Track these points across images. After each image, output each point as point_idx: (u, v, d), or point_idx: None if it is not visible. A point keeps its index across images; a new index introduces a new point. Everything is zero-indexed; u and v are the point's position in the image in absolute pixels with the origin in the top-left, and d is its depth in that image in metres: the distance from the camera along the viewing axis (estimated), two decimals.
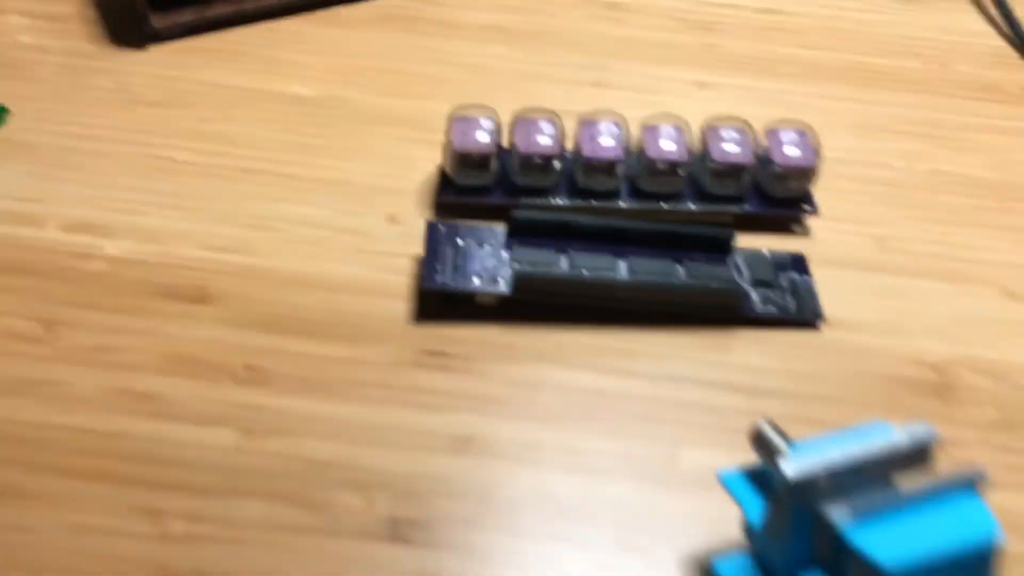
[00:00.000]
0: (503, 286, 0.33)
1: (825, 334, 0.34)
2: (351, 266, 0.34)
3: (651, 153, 0.36)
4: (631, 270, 0.33)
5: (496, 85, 0.43)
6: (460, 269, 0.33)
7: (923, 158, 0.41)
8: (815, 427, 0.31)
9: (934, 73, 0.46)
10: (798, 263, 0.35)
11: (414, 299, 0.33)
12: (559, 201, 0.36)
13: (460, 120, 0.36)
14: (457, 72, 0.43)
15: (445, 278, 0.32)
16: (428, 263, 0.33)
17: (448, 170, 0.36)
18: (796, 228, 0.38)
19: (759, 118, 0.40)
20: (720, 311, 0.33)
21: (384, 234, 0.36)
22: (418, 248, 0.35)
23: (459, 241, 0.34)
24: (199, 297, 0.33)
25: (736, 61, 0.46)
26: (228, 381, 0.31)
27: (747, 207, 0.37)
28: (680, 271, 0.34)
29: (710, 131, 0.37)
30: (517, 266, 0.33)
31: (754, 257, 0.35)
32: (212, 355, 0.31)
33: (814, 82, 0.45)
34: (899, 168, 0.41)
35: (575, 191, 0.36)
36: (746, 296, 0.33)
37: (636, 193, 0.37)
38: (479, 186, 0.36)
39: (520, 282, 0.32)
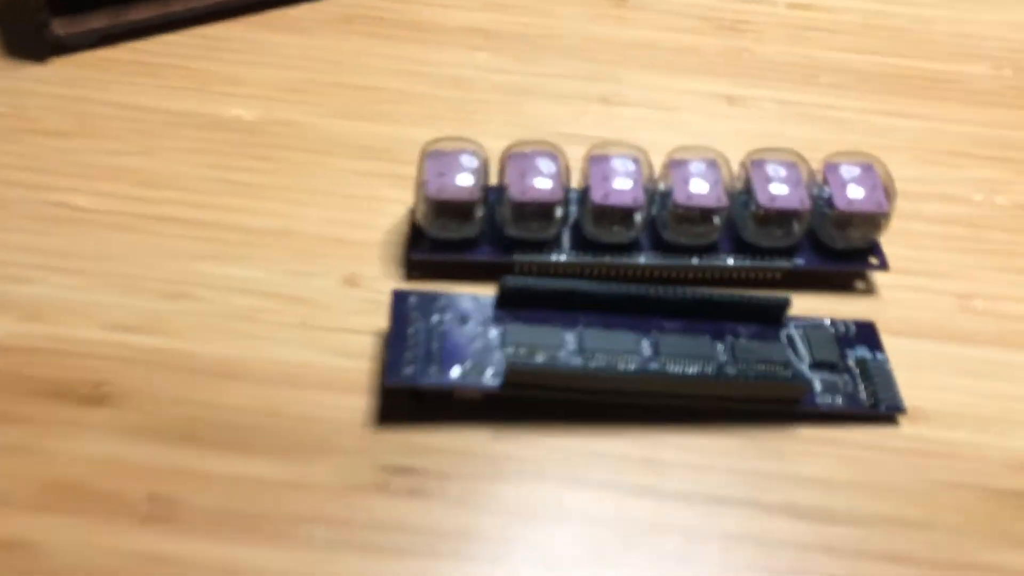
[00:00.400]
0: (492, 378, 0.25)
1: (905, 430, 0.26)
2: (294, 348, 0.27)
3: (679, 197, 0.28)
4: (658, 352, 0.26)
5: (481, 103, 0.35)
6: (436, 355, 0.25)
7: (1004, 188, 0.34)
8: (903, 567, 0.23)
9: (1006, 81, 0.38)
10: (868, 335, 0.28)
11: (377, 394, 0.26)
12: (562, 258, 0.28)
13: (436, 157, 0.28)
14: (434, 86, 0.36)
15: (415, 369, 0.25)
16: (394, 348, 0.25)
17: (421, 220, 0.28)
18: (859, 286, 0.30)
19: (803, 141, 0.32)
20: (772, 404, 0.26)
21: (340, 302, 0.28)
22: (383, 321, 0.27)
23: (434, 317, 0.26)
24: (93, 397, 0.25)
25: (770, 69, 0.38)
26: (125, 519, 0.23)
27: (799, 261, 0.29)
28: (721, 351, 0.26)
29: (754, 167, 0.29)
30: (510, 352, 0.25)
31: (814, 330, 0.27)
32: (106, 481, 0.24)
33: (863, 94, 0.37)
34: (977, 203, 0.33)
35: (583, 244, 0.29)
36: (809, 385, 0.26)
37: (660, 246, 0.29)
38: (461, 240, 0.28)
39: (513, 374, 0.25)
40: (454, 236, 0.28)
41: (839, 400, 0.26)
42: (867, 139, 0.35)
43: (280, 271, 0.29)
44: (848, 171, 0.29)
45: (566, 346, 0.26)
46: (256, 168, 0.32)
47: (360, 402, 0.26)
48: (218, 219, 0.30)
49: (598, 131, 0.34)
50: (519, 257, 0.28)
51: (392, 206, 0.30)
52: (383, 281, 0.28)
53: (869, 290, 0.30)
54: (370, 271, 0.29)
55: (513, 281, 0.26)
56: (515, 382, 0.25)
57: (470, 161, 0.28)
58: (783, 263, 0.29)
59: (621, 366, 0.25)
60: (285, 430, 0.25)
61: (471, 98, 0.35)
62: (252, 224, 0.30)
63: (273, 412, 0.25)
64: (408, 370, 0.25)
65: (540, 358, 0.25)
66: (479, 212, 0.28)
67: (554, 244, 0.29)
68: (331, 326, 0.27)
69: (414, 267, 0.29)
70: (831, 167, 0.29)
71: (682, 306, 0.27)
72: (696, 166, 0.29)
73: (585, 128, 0.34)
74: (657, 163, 0.29)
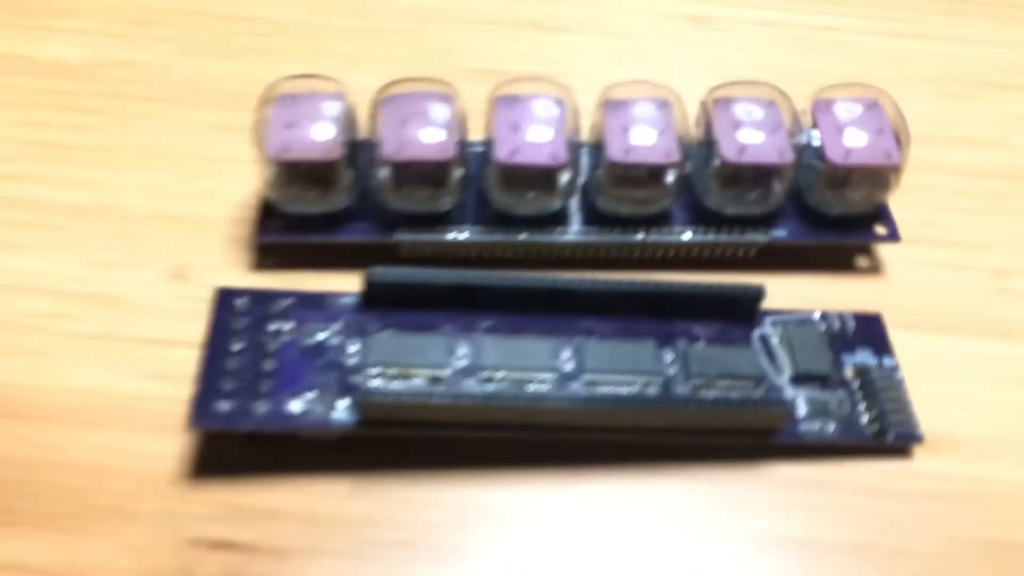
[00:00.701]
0: (346, 412, 0.18)
1: (921, 465, 0.19)
2: (93, 370, 0.20)
3: (615, 151, 0.21)
4: (583, 366, 0.19)
5: (380, 33, 0.28)
6: (268, 381, 0.18)
7: None
8: None
9: None
10: (872, 332, 0.21)
11: (195, 434, 0.19)
12: (462, 236, 0.21)
13: (284, 103, 0.21)
14: (323, 13, 0.28)
15: (235, 404, 0.18)
16: (207, 373, 0.18)
17: (267, 189, 0.21)
18: (861, 264, 0.23)
19: (786, 72, 0.25)
20: (740, 437, 0.19)
21: (160, 302, 0.21)
22: None
23: (271, 325, 0.19)
24: None
25: None
26: None
27: (779, 233, 0.22)
28: (669, 363, 0.19)
29: (718, 108, 0.21)
30: (373, 373, 0.18)
31: (798, 328, 0.20)
32: None
33: (865, 8, 0.30)
34: (1016, 148, 0.26)
35: (488, 216, 0.22)
36: (790, 411, 0.19)
37: (593, 217, 0.22)
38: (324, 215, 0.21)
39: (369, 408, 0.18)
40: (313, 210, 0.21)
41: (831, 428, 0.19)
42: (871, 68, 0.27)
43: (87, 262, 0.22)
44: (845, 110, 0.22)
45: (455, 362, 0.19)
46: (77, 125, 0.24)
47: (172, 445, 0.19)
48: (16, 193, 0.23)
49: (526, 65, 0.26)
50: (403, 236, 0.21)
51: (245, 169, 0.23)
52: (220, 272, 0.21)
53: (874, 269, 0.23)
54: (206, 259, 0.22)
55: (382, 273, 0.19)
56: (374, 419, 0.18)
57: (331, 107, 0.21)
58: (757, 237, 0.22)
59: (529, 389, 0.18)
60: (65, 491, 0.18)
61: (367, 27, 0.28)
62: (61, 199, 0.23)
63: (53, 464, 0.18)
64: (223, 405, 0.18)
65: (416, 381, 0.18)
66: (345, 177, 0.21)
67: (450, 217, 0.21)
68: (145, 336, 0.20)
69: (266, 253, 0.22)
70: (822, 106, 0.22)
71: (618, 301, 0.20)
72: (641, 109, 0.21)
73: (509, 62, 0.27)
74: (590, 104, 0.22)
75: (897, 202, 0.22)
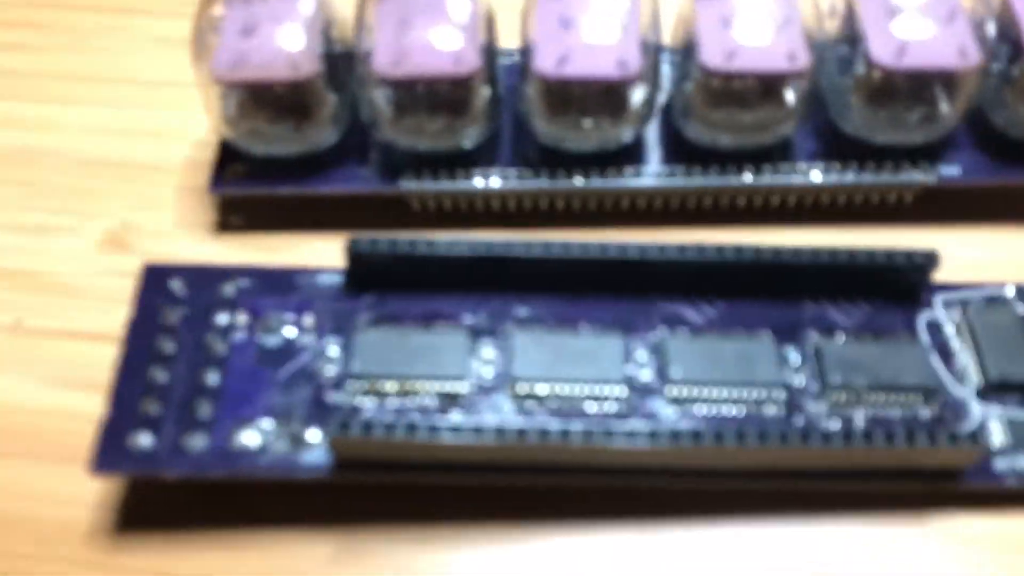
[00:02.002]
0: (318, 449, 0.12)
1: None
2: (12, 381, 0.15)
3: (711, 54, 0.14)
4: (666, 375, 0.13)
5: None
6: (215, 400, 0.13)
7: None
8: None
9: None
10: None
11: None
12: (492, 182, 0.15)
13: (243, 0, 0.15)
14: None
15: (158, 439, 0.12)
16: (119, 390, 0.13)
17: (222, 125, 0.15)
18: None
19: None
20: (907, 479, 0.13)
21: (89, 279, 0.16)
22: None
23: (218, 316, 0.13)
24: None
25: None
26: None
27: (951, 171, 0.15)
28: (795, 367, 0.13)
29: None
30: (356, 391, 0.13)
31: (985, 313, 0.14)
32: None
33: None
34: None
35: (529, 155, 0.15)
36: (984, 446, 0.12)
37: (680, 152, 0.15)
38: (297, 157, 0.15)
39: (347, 445, 0.12)
40: (286, 151, 0.15)
41: None
42: None
43: (4, 225, 0.16)
44: None
45: (478, 371, 0.13)
46: (17, 43, 0.19)
47: (92, 486, 0.13)
48: None
49: None
50: (410, 185, 0.15)
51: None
52: (171, 237, 0.16)
53: None
54: (154, 219, 0.16)
55: (371, 244, 0.13)
56: (356, 461, 0.12)
57: (304, 3, 0.15)
58: (920, 175, 0.15)
59: (587, 411, 0.13)
60: None
61: None
62: None
63: None
64: (141, 440, 0.12)
65: (422, 401, 0.13)
66: (326, 103, 0.15)
67: (475, 158, 0.15)
68: (66, 328, 0.15)
69: (229, 210, 0.16)
70: None
71: (717, 275, 0.14)
72: None
73: None
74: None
75: None
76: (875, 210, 0.16)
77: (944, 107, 0.15)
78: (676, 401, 0.13)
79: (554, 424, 0.12)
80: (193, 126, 0.18)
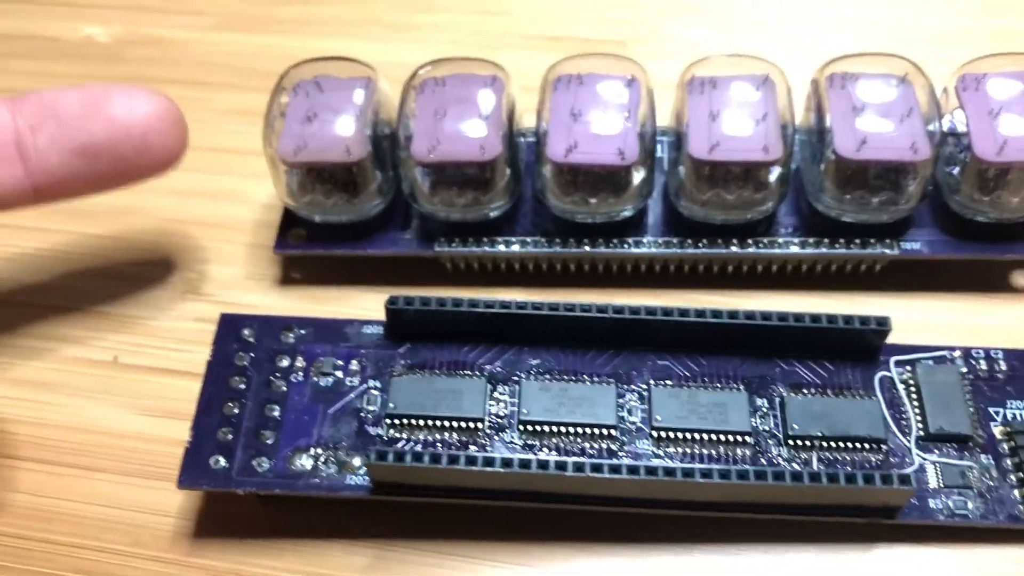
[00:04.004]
0: (361, 471, 0.15)
1: None
2: (96, 404, 0.17)
3: (701, 144, 0.17)
4: (651, 420, 0.15)
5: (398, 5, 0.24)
6: (271, 431, 0.15)
7: None
8: None
9: None
10: None
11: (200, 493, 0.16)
12: (512, 247, 0.18)
13: (304, 92, 0.18)
14: None
15: (232, 461, 0.15)
16: (199, 421, 0.15)
17: (286, 196, 0.18)
18: (1018, 283, 0.18)
19: (924, 36, 0.20)
20: (851, 512, 0.15)
21: (170, 324, 0.18)
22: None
23: (281, 360, 0.16)
24: None
25: None
26: None
27: (911, 246, 0.18)
28: (760, 416, 0.15)
29: (832, 86, 0.17)
30: (392, 426, 0.15)
31: (930, 373, 0.16)
32: None
33: None
34: None
35: (545, 224, 0.18)
36: (912, 488, 0.15)
37: (674, 225, 0.18)
38: (351, 223, 0.18)
39: (381, 471, 0.14)
40: (339, 218, 0.18)
41: (971, 505, 0.15)
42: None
43: (99, 274, 0.19)
44: (1001, 89, 0.17)
45: (487, 414, 0.15)
46: None
47: (175, 497, 0.16)
48: None
49: (595, 29, 0.22)
50: (443, 249, 0.18)
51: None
52: (242, 287, 0.19)
53: None
54: (225, 272, 0.19)
55: (402, 302, 0.16)
56: (388, 484, 0.15)
57: (359, 94, 0.18)
58: (884, 250, 0.17)
59: (581, 447, 0.15)
60: (56, 548, 0.16)
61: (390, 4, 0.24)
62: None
63: (46, 515, 0.16)
64: (217, 462, 0.15)
65: (436, 438, 0.15)
66: (373, 179, 0.18)
67: (501, 225, 0.18)
68: (154, 365, 0.18)
69: (291, 266, 0.19)
70: (970, 83, 0.17)
71: (702, 334, 0.16)
72: (738, 89, 0.17)
73: (580, 25, 0.23)
74: (670, 83, 0.18)
75: None
76: (846, 278, 0.18)
77: (903, 192, 0.17)
78: (659, 442, 0.15)
79: (554, 458, 0.15)
80: (263, 191, 0.20)
